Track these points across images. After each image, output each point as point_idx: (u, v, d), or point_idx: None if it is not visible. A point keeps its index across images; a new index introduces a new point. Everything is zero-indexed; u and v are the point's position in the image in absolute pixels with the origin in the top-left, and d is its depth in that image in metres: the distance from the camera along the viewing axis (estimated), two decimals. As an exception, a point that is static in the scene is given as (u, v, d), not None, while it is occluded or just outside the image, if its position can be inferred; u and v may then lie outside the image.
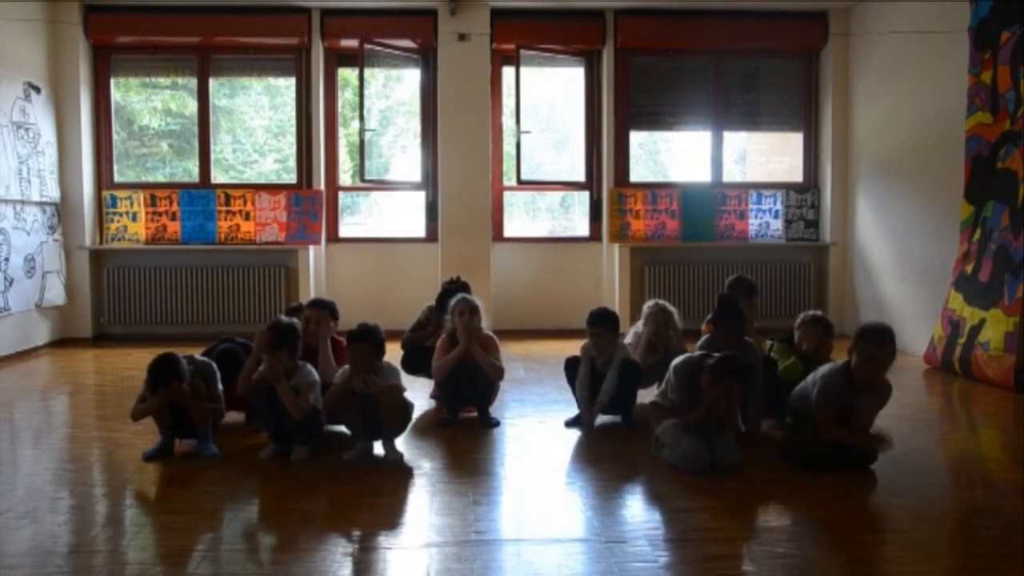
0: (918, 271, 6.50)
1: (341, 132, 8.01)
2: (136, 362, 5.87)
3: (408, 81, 8.21)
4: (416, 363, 4.80)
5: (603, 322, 4.24)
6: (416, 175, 7.77)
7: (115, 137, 7.67)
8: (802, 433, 3.60)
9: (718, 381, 3.46)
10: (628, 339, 4.63)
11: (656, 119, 8.07)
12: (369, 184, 7.79)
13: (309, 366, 3.83)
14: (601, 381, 4.23)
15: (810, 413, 3.55)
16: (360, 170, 7.37)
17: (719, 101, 7.82)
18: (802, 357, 4.18)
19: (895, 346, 3.50)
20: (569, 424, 4.30)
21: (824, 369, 3.61)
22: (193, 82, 7.63)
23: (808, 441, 3.54)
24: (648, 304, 4.70)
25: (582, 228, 8.05)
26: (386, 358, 3.72)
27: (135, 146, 7.99)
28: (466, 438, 4.04)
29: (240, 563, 2.57)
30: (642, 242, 7.66)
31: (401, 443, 3.79)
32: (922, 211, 6.50)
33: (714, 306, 4.22)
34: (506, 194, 7.94)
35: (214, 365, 3.90)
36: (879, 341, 3.45)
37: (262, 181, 7.93)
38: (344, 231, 7.90)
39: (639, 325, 4.69)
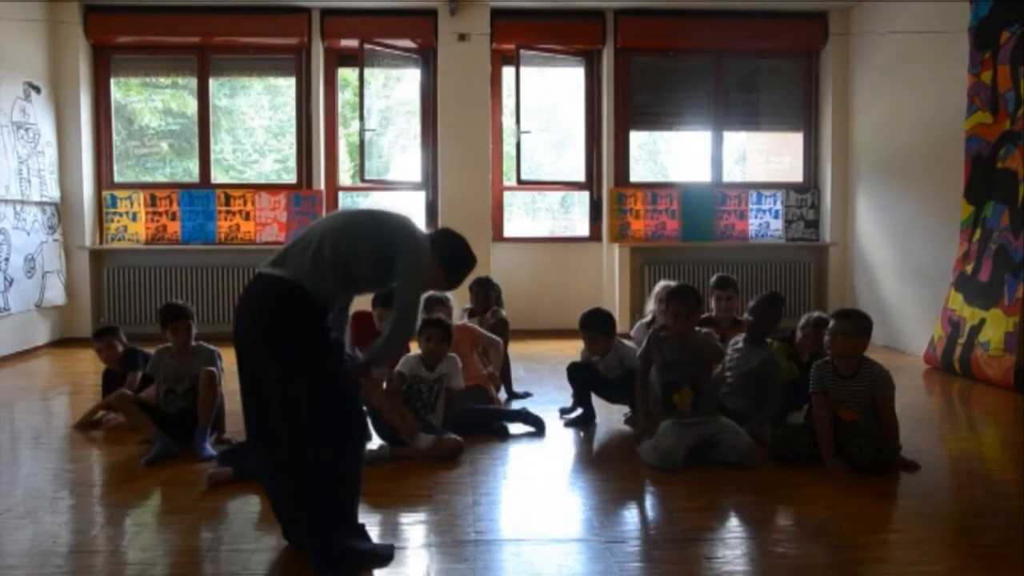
0: (918, 271, 6.50)
1: (341, 132, 8.01)
2: (136, 362, 5.85)
3: (408, 81, 8.20)
4: None
5: (593, 327, 4.17)
6: (416, 175, 7.77)
7: (115, 137, 7.67)
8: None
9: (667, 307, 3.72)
10: (643, 320, 4.58)
11: (656, 119, 8.07)
12: (369, 184, 7.78)
13: None
14: (603, 384, 4.22)
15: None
16: (360, 170, 7.37)
17: (719, 101, 7.82)
18: (799, 362, 4.16)
19: (858, 322, 3.57)
20: (568, 424, 4.30)
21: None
22: (193, 82, 7.62)
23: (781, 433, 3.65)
24: (660, 284, 4.65)
25: (582, 228, 8.05)
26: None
27: (135, 146, 7.99)
28: (466, 438, 4.03)
29: (240, 563, 2.57)
30: (642, 242, 7.66)
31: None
32: (922, 211, 6.50)
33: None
34: (506, 194, 7.94)
35: (218, 351, 3.95)
36: (837, 315, 3.67)
37: (262, 181, 7.92)
38: (344, 231, 7.88)
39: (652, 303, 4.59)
